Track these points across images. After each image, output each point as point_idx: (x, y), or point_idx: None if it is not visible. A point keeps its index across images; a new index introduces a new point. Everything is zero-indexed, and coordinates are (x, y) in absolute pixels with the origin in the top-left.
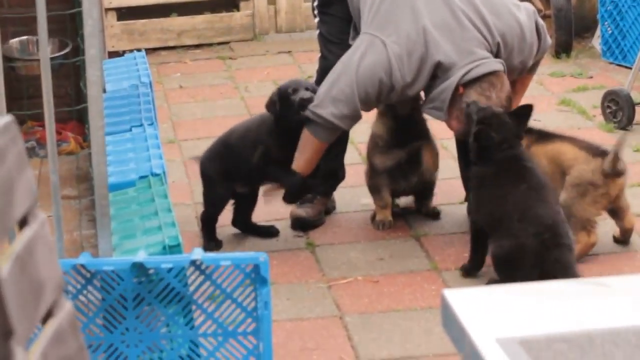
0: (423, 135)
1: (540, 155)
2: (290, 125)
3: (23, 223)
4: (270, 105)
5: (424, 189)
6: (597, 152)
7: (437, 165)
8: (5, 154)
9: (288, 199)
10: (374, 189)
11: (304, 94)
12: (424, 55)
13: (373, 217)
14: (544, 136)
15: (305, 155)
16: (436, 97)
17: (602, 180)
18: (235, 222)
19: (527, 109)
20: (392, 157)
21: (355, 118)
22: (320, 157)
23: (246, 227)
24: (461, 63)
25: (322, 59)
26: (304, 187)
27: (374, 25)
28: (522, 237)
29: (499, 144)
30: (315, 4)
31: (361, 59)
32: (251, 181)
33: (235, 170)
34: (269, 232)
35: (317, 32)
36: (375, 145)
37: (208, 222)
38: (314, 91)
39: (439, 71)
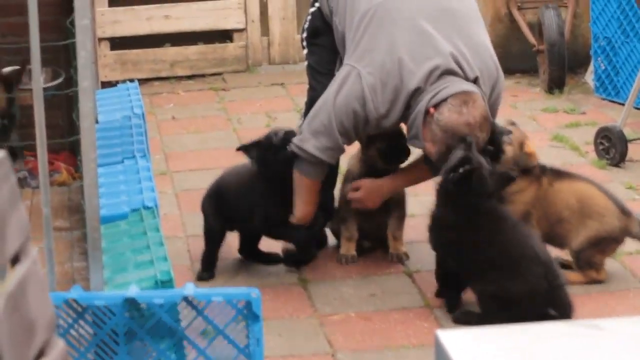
0: None
1: (566, 192)
2: (277, 171)
3: (15, 260)
4: (248, 149)
5: (393, 232)
6: (626, 210)
7: (404, 212)
8: None
9: (304, 254)
10: (341, 220)
11: (285, 132)
12: (398, 85)
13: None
14: (563, 174)
15: (301, 197)
16: (411, 125)
17: (624, 238)
18: (241, 251)
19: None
20: None
21: (337, 150)
22: (317, 196)
23: (252, 255)
24: (430, 87)
25: (311, 90)
26: (312, 237)
27: (354, 57)
28: (532, 279)
29: (478, 195)
30: (304, 35)
31: (338, 91)
32: (251, 231)
33: (230, 219)
34: (274, 259)
35: (306, 63)
36: (347, 178)
37: (208, 256)
38: (293, 133)
39: (412, 100)
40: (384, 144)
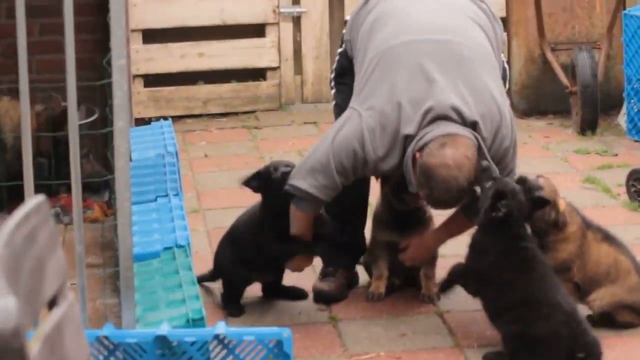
0: (422, 223)
1: (601, 255)
2: (277, 204)
3: (52, 303)
4: (249, 181)
5: (426, 271)
6: None
7: (436, 252)
8: (37, 233)
9: (321, 252)
10: (372, 258)
11: (284, 169)
12: (396, 130)
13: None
14: (611, 238)
15: (295, 227)
16: (405, 170)
17: None
18: (265, 292)
19: (545, 202)
20: (390, 235)
21: (334, 189)
22: (311, 225)
23: (276, 293)
24: (420, 132)
25: None
26: (320, 241)
27: (358, 100)
28: (556, 324)
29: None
30: (332, 75)
31: (338, 131)
32: (268, 271)
33: (250, 261)
34: (299, 294)
35: (333, 102)
36: (376, 220)
37: (231, 297)
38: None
39: (407, 145)
40: (394, 182)
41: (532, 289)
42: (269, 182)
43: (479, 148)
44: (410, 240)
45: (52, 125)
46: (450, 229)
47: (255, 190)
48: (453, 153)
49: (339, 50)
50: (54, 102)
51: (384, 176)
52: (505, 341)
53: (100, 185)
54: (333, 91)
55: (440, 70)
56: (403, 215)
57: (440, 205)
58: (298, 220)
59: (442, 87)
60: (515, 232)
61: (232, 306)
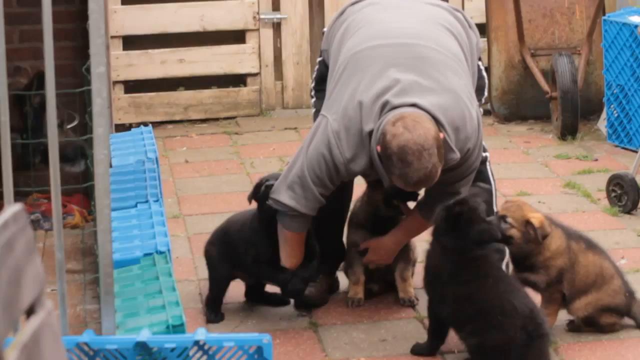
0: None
1: (589, 265)
2: (267, 217)
3: (30, 311)
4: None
5: (401, 273)
6: (632, 292)
7: (411, 254)
8: (14, 243)
9: (288, 295)
10: (347, 263)
11: (268, 183)
12: (359, 129)
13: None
14: (592, 245)
15: (285, 250)
16: (377, 167)
17: (624, 316)
18: (247, 296)
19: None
20: (364, 236)
21: (314, 201)
22: (302, 248)
23: (259, 298)
24: (377, 126)
25: None
26: (300, 281)
27: (327, 105)
28: (510, 331)
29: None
30: (313, 85)
31: (311, 141)
32: (251, 275)
33: (236, 262)
34: (281, 301)
35: (313, 110)
36: (351, 221)
37: (213, 302)
38: None
39: (372, 142)
40: (385, 190)
41: (486, 298)
42: (257, 196)
43: (439, 123)
44: (368, 242)
45: (18, 99)
46: (408, 230)
47: (248, 199)
48: (411, 124)
49: (319, 59)
50: (23, 74)
51: (370, 180)
52: (470, 352)
53: (76, 154)
54: (313, 100)
55: (404, 70)
56: (380, 217)
57: (421, 182)
58: (286, 244)
59: (403, 85)
60: (470, 237)
61: (212, 311)
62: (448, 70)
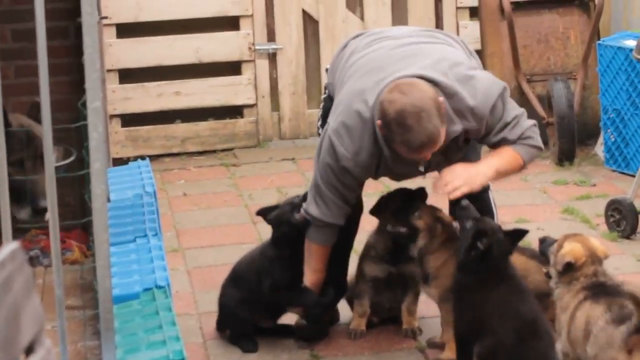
0: (413, 259)
1: None
2: (290, 236)
3: (29, 350)
4: (266, 212)
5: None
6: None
7: (419, 291)
8: (12, 281)
9: (310, 319)
10: (357, 294)
11: (295, 200)
12: (358, 112)
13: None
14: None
15: (310, 264)
16: (382, 146)
17: None
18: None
19: (522, 233)
20: (382, 269)
21: (337, 208)
22: (325, 264)
23: (262, 330)
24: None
25: None
26: (321, 304)
27: (330, 113)
28: (500, 333)
29: (491, 259)
30: (319, 123)
31: (319, 151)
32: (271, 313)
33: (253, 299)
34: (286, 331)
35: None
36: (367, 254)
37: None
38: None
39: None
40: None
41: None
42: (284, 213)
43: (438, 86)
44: (454, 167)
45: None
46: (501, 157)
47: (269, 222)
48: (407, 89)
49: (323, 96)
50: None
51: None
52: None
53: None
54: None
55: (403, 63)
56: (397, 248)
57: (424, 146)
58: (312, 258)
59: (400, 69)
60: (496, 269)
61: (246, 343)
62: (451, 51)
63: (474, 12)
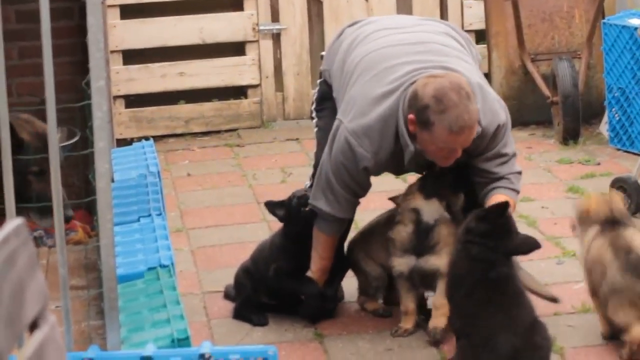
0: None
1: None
2: (297, 229)
3: (34, 326)
4: (274, 206)
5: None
6: None
7: None
8: (16, 257)
9: (307, 310)
10: (400, 295)
11: (300, 192)
12: (373, 100)
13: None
14: None
15: (317, 251)
16: (403, 142)
17: None
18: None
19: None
20: (406, 262)
21: (348, 203)
22: (333, 252)
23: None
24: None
25: (320, 152)
26: (322, 297)
27: (340, 110)
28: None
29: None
30: (313, 106)
31: (331, 148)
32: (275, 297)
33: (261, 287)
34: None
35: (315, 128)
36: (395, 247)
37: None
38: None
39: (399, 122)
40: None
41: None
42: (290, 209)
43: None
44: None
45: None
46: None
47: (277, 217)
48: (441, 73)
49: (318, 80)
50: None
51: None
52: None
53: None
54: (314, 120)
55: (411, 60)
56: (426, 229)
57: (465, 128)
58: (319, 246)
59: (414, 66)
60: (507, 245)
61: (256, 317)
62: (456, 58)
63: None
